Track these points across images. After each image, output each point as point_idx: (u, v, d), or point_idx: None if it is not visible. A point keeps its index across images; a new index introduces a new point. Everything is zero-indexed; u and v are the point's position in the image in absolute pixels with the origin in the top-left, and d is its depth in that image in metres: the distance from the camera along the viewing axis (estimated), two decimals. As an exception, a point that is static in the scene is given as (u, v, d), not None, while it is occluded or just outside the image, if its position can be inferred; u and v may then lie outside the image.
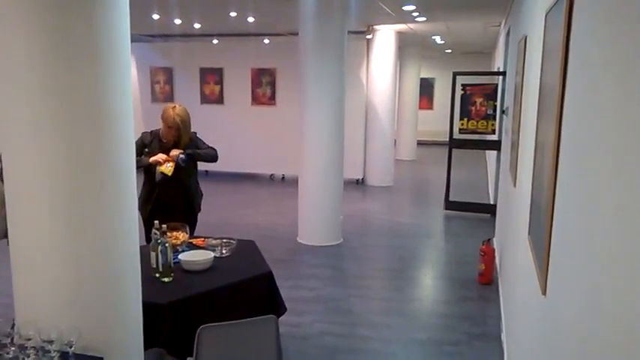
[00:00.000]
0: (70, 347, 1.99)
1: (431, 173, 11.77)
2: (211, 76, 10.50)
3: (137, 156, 3.03)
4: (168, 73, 10.76)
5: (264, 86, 10.24)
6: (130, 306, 2.32)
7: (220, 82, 10.48)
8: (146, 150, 4.01)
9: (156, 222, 3.22)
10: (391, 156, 10.31)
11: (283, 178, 10.55)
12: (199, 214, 4.31)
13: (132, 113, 2.28)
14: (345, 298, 4.85)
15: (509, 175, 4.32)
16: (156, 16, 8.03)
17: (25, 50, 1.97)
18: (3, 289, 3.03)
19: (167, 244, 3.12)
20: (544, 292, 1.80)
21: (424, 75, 15.15)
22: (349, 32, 6.78)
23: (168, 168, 3.92)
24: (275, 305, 3.41)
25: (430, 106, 16.69)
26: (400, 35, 10.11)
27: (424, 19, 8.28)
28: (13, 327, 2.05)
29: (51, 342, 1.97)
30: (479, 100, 7.73)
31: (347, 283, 5.27)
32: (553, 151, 1.72)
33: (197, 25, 9.33)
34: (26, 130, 2.02)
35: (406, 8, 7.21)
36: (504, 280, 4.42)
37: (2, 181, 2.42)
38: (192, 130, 4.13)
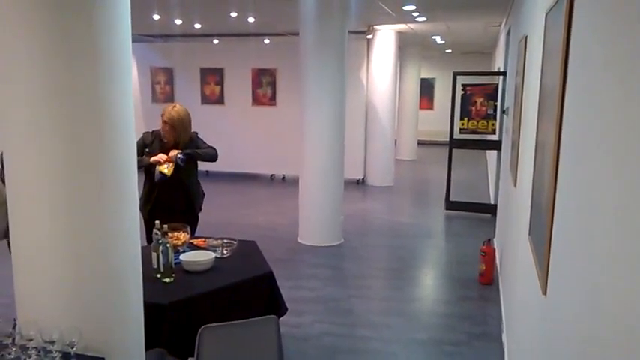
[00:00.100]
0: (72, 347, 2.00)
1: (431, 173, 11.77)
2: (212, 76, 10.50)
3: (138, 156, 3.03)
4: (169, 73, 10.77)
5: (265, 86, 10.24)
6: (131, 306, 2.32)
7: (221, 83, 10.48)
8: (147, 150, 4.02)
9: (157, 222, 3.22)
10: (391, 156, 10.31)
11: (284, 178, 10.55)
12: (200, 215, 4.31)
13: (133, 113, 2.28)
14: (345, 298, 4.85)
15: (510, 175, 4.32)
16: (156, 17, 8.04)
17: (26, 50, 1.97)
18: (4, 289, 3.03)
19: (168, 245, 3.12)
20: (544, 292, 1.80)
21: (424, 75, 15.15)
22: (349, 32, 6.78)
23: (167, 168, 3.93)
24: (276, 305, 3.41)
25: (430, 106, 16.70)
26: (400, 35, 10.11)
27: (424, 19, 8.28)
28: (14, 327, 2.05)
29: (52, 342, 1.97)
30: (479, 100, 7.73)
31: (347, 283, 5.27)
32: (553, 151, 1.72)
33: (197, 26, 9.34)
34: (26, 130, 2.02)
35: (406, 8, 7.21)
36: (505, 279, 4.42)
37: (3, 181, 2.42)
38: (193, 131, 4.15)
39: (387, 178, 10.10)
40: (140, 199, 3.43)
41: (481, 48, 13.98)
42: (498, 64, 9.42)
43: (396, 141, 11.21)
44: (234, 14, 7.82)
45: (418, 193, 10.15)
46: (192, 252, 3.49)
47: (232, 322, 2.57)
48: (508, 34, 6.65)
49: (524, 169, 3.08)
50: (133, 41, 2.31)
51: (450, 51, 15.39)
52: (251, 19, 8.29)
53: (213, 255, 3.38)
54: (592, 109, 1.27)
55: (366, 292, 5.03)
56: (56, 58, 1.98)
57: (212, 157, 4.14)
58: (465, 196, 8.28)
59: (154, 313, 2.67)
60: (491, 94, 7.74)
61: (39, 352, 1.97)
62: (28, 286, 2.15)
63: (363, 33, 9.60)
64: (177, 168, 3.95)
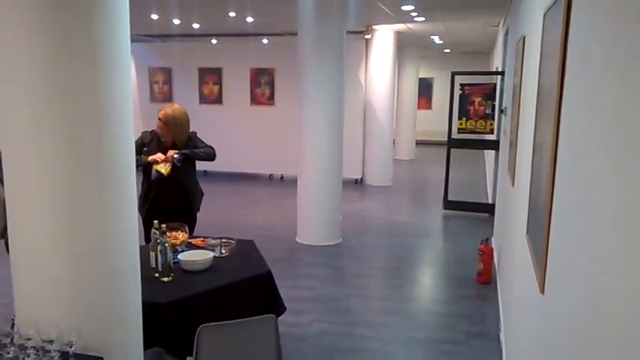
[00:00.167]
0: (71, 347, 2.00)
1: (429, 173, 11.78)
2: (210, 76, 10.50)
3: (137, 155, 3.03)
4: (167, 73, 10.76)
5: (263, 86, 10.24)
6: (129, 306, 2.32)
7: (219, 82, 10.48)
8: (145, 149, 4.02)
9: (155, 222, 3.22)
10: (390, 156, 10.32)
11: (282, 178, 10.55)
12: (198, 214, 4.31)
13: (132, 113, 2.28)
14: (343, 297, 4.85)
15: (508, 174, 4.33)
16: (155, 16, 8.03)
17: (26, 50, 1.97)
18: (3, 289, 3.03)
19: (166, 244, 3.12)
20: (542, 291, 1.80)
21: (423, 75, 15.17)
22: (348, 32, 6.79)
23: (164, 167, 3.93)
24: (274, 305, 3.41)
25: (429, 106, 16.71)
26: (399, 35, 10.12)
27: (423, 19, 8.29)
28: (12, 327, 2.05)
29: (51, 342, 1.97)
30: (477, 100, 7.74)
31: (346, 282, 5.28)
32: (551, 151, 1.73)
33: (196, 25, 9.33)
34: (26, 130, 2.03)
35: (405, 8, 7.22)
36: (503, 279, 4.43)
37: (1, 181, 2.42)
38: (191, 130, 4.15)
39: (385, 177, 10.11)
40: (138, 199, 3.43)
41: (479, 48, 14.00)
42: (496, 64, 9.44)
43: (394, 141, 11.23)
44: (232, 14, 7.82)
45: (416, 192, 10.17)
46: (191, 251, 3.49)
47: (231, 321, 2.58)
48: (506, 34, 6.66)
49: (522, 168, 3.08)
50: (132, 41, 2.31)
51: (448, 51, 15.41)
52: (249, 19, 8.29)
53: (211, 254, 3.38)
54: (591, 109, 1.27)
55: (365, 292, 5.03)
56: (56, 58, 1.98)
57: (210, 156, 4.14)
58: (463, 195, 8.29)
59: (152, 312, 2.67)
60: (489, 94, 7.75)
61: (37, 351, 1.97)
62: (27, 286, 2.15)
63: (362, 33, 9.61)
64: (174, 168, 3.96)
